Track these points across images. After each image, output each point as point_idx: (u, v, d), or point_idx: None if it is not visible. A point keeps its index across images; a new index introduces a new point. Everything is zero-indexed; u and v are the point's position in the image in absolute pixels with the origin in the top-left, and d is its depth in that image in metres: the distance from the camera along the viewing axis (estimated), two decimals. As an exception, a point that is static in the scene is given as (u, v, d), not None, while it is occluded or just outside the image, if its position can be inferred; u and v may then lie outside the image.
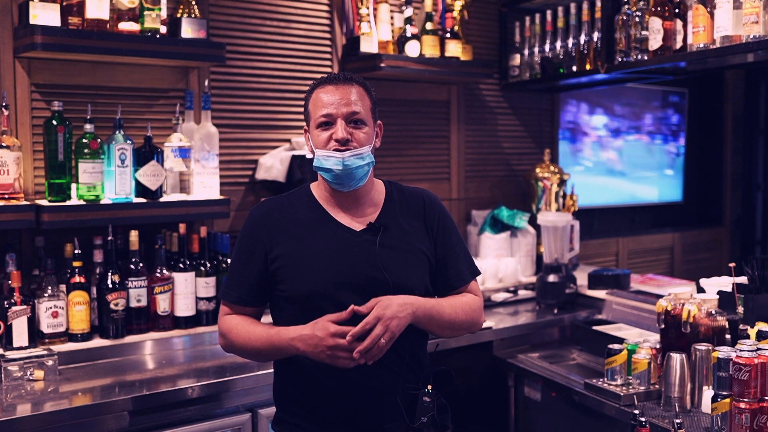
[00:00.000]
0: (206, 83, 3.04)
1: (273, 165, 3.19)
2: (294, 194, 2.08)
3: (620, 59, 3.38)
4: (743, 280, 2.71)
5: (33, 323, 2.57)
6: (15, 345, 2.50)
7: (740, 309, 2.64)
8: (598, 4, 3.57)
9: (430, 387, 1.98)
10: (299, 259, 1.94)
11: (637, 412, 2.13)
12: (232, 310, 2.03)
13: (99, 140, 2.68)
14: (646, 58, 3.22)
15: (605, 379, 2.57)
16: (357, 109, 1.93)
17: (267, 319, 2.05)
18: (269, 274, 1.97)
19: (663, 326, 2.57)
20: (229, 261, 2.83)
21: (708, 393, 2.26)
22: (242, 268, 2.01)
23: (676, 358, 2.37)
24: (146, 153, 2.78)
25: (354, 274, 1.92)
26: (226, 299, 2.03)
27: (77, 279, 2.64)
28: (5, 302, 2.51)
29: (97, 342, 2.67)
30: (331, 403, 1.93)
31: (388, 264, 1.94)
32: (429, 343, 2.09)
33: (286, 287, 1.95)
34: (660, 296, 2.78)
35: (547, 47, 3.87)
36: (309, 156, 2.82)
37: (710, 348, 2.36)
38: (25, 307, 2.53)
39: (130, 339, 2.71)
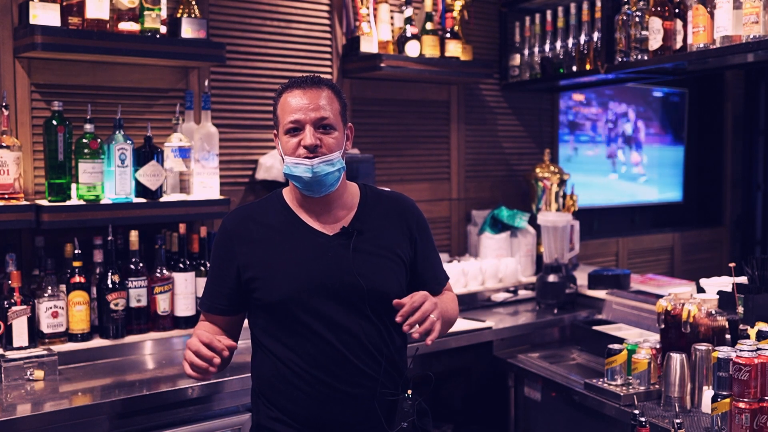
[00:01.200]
0: (206, 83, 3.04)
1: (273, 165, 3.19)
2: (266, 200, 2.07)
3: (620, 59, 3.38)
4: (743, 280, 2.70)
5: (33, 323, 2.57)
6: (15, 345, 2.50)
7: (740, 309, 2.64)
8: (598, 4, 3.57)
9: (410, 392, 1.97)
10: (272, 266, 1.93)
11: (637, 412, 2.13)
12: (205, 317, 2.06)
13: (99, 140, 2.68)
14: (646, 58, 3.22)
15: (605, 379, 2.57)
16: (326, 114, 1.90)
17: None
18: (242, 283, 1.96)
19: (663, 326, 2.57)
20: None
21: (708, 393, 2.26)
22: (215, 278, 2.02)
23: (676, 358, 2.37)
24: (146, 153, 2.78)
25: (327, 280, 1.90)
26: (201, 308, 2.07)
27: (77, 279, 2.63)
28: (5, 302, 2.51)
29: (97, 342, 2.67)
30: (308, 409, 1.91)
31: (362, 268, 1.92)
32: (409, 347, 2.08)
33: (260, 295, 1.93)
34: (660, 296, 2.78)
35: (547, 47, 3.87)
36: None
37: (710, 348, 2.36)
38: (25, 307, 2.53)
39: (130, 339, 2.71)
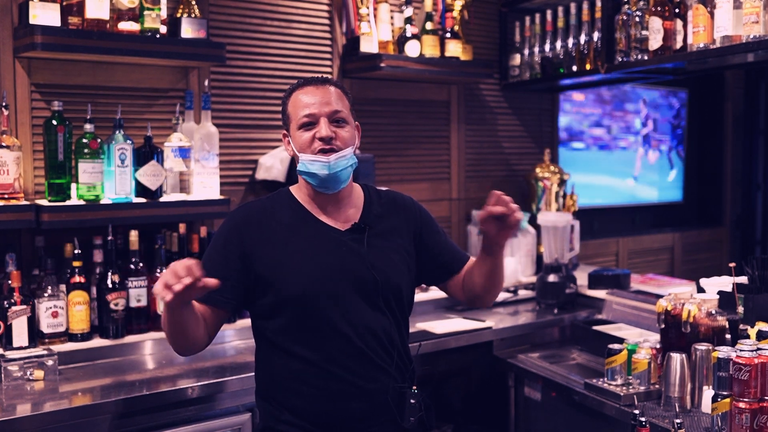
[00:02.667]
0: (206, 83, 3.04)
1: (273, 165, 3.18)
2: (274, 197, 2.06)
3: (620, 59, 3.38)
4: (743, 280, 2.70)
5: (33, 323, 2.57)
6: (15, 345, 2.50)
7: (740, 309, 2.64)
8: (598, 4, 3.57)
9: (415, 387, 1.98)
10: (287, 262, 1.92)
11: (637, 412, 2.13)
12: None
13: (99, 140, 2.68)
14: (646, 58, 3.21)
15: (605, 379, 2.57)
16: (339, 107, 1.95)
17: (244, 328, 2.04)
18: (252, 279, 1.92)
19: (663, 326, 2.57)
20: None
21: (708, 393, 2.26)
22: (217, 267, 1.88)
23: (676, 358, 2.37)
24: (146, 153, 2.77)
25: (343, 273, 1.92)
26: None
27: (77, 279, 2.64)
28: (5, 302, 2.51)
29: (97, 342, 2.67)
30: (319, 406, 1.91)
31: (376, 262, 1.95)
32: (411, 346, 2.09)
33: (276, 290, 1.91)
34: (660, 296, 2.77)
35: (547, 47, 3.87)
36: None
37: (710, 348, 2.36)
38: (25, 307, 2.53)
39: (130, 339, 2.71)
